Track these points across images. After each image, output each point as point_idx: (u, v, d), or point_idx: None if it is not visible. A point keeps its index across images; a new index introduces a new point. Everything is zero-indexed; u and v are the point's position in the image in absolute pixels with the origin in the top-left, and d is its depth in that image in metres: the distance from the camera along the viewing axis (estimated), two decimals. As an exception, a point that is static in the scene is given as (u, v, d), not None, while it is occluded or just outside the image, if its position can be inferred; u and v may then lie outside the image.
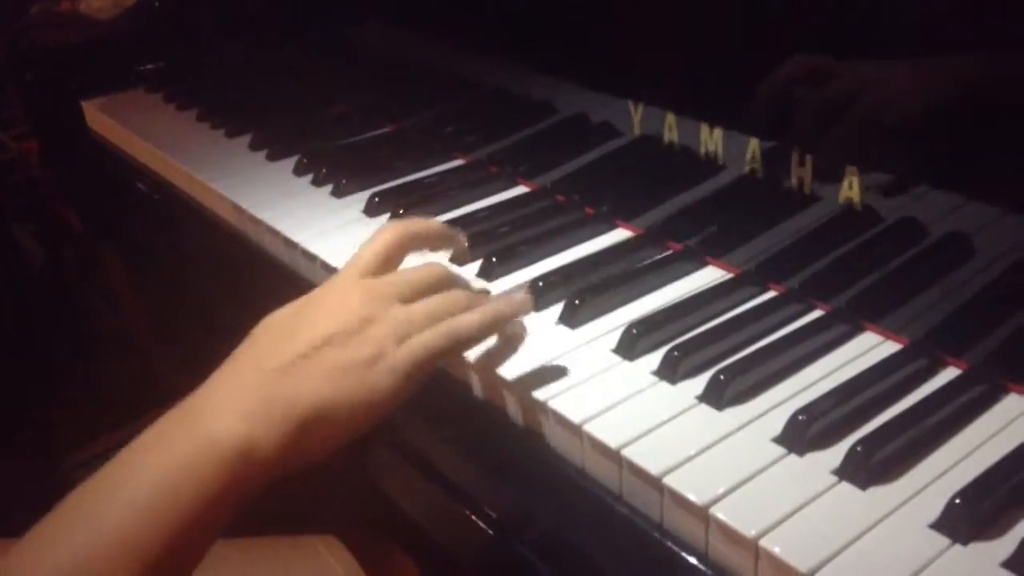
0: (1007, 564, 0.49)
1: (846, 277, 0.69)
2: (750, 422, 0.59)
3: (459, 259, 0.79)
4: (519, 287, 0.74)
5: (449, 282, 0.66)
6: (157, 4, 1.35)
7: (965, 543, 0.50)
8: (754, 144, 0.72)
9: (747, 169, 0.74)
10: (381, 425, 0.60)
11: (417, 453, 0.71)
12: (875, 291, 0.68)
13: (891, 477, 0.55)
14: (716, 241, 0.77)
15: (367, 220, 0.90)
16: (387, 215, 0.89)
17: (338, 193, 0.94)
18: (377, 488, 0.77)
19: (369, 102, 1.15)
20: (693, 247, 0.78)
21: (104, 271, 1.72)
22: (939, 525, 0.51)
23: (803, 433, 0.57)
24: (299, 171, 1.00)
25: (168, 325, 1.55)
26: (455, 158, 1.01)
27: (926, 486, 0.54)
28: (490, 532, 0.65)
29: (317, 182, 0.97)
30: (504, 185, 0.94)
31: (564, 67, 0.87)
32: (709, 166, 0.76)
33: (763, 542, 0.50)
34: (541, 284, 0.73)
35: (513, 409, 0.65)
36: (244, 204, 0.93)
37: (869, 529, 0.51)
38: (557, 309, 0.72)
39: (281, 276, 0.88)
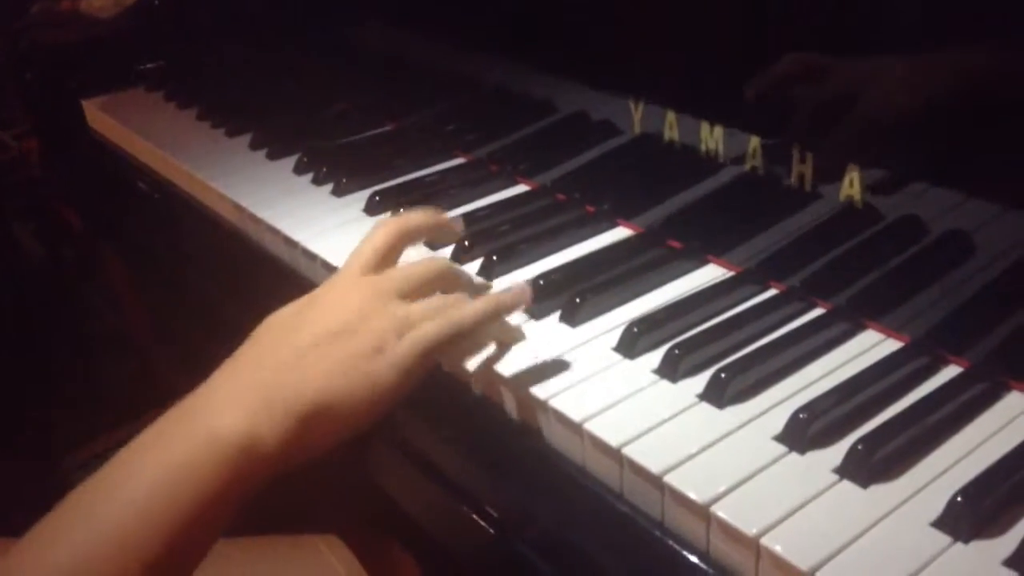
0: (1008, 562, 0.49)
1: (847, 275, 0.69)
2: (751, 420, 0.59)
3: (455, 240, 0.79)
4: (519, 284, 0.74)
5: (450, 274, 0.66)
6: (157, 3, 1.35)
7: (966, 541, 0.50)
8: (755, 142, 0.72)
9: (748, 167, 0.74)
10: (382, 424, 0.60)
11: (418, 452, 0.71)
12: (876, 289, 0.68)
13: (892, 475, 0.54)
14: (717, 239, 0.77)
15: (367, 219, 0.89)
16: (388, 214, 0.89)
17: (338, 192, 0.94)
18: (378, 487, 0.77)
19: (369, 101, 1.15)
20: (694, 245, 0.78)
21: (104, 270, 1.72)
22: (940, 523, 0.51)
23: (804, 431, 0.57)
24: (299, 170, 1.00)
25: (168, 324, 1.55)
26: (455, 156, 1.01)
27: (927, 484, 0.54)
28: (491, 531, 0.65)
29: (317, 181, 0.97)
30: (504, 183, 0.94)
31: (564, 65, 0.87)
32: (710, 164, 0.76)
33: (764, 540, 0.50)
34: (541, 282, 0.73)
35: (513, 408, 0.65)
36: (244, 203, 0.93)
37: (870, 527, 0.51)
38: (557, 307, 0.71)
39: (281, 275, 0.88)
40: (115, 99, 1.28)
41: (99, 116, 1.24)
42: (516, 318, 0.70)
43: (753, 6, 0.72)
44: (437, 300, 0.63)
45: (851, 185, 0.67)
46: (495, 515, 0.65)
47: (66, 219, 1.72)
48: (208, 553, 0.56)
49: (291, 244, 0.86)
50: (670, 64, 0.79)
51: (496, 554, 0.66)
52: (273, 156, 1.05)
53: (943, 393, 0.60)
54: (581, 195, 0.87)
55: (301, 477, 0.58)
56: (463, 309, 0.62)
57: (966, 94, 0.61)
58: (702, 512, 0.53)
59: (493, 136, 0.98)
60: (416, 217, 0.68)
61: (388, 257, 0.65)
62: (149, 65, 1.35)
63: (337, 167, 0.97)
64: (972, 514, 0.51)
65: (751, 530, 0.51)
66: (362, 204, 0.91)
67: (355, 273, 0.64)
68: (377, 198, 0.91)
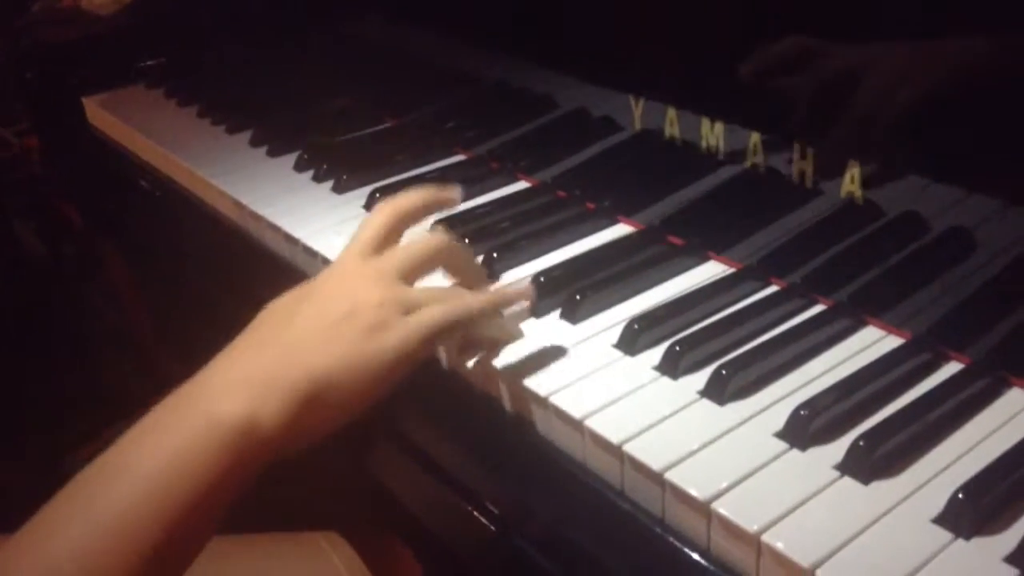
0: (1009, 559, 0.49)
1: (848, 271, 0.69)
2: (752, 417, 0.59)
3: (455, 205, 0.78)
4: (520, 280, 0.74)
5: (451, 252, 0.66)
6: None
7: (968, 538, 0.50)
8: (755, 138, 0.72)
9: (748, 163, 0.74)
10: (381, 420, 0.60)
11: (418, 449, 0.71)
12: (877, 285, 0.68)
13: (893, 472, 0.54)
14: (718, 236, 0.77)
15: (368, 216, 0.89)
16: (388, 210, 0.89)
17: (339, 189, 0.94)
18: (379, 484, 0.77)
19: (370, 97, 1.15)
20: (694, 242, 0.78)
21: (105, 268, 1.72)
22: (942, 520, 0.51)
23: (805, 428, 0.57)
24: (300, 167, 1.00)
25: (169, 322, 1.55)
26: (456, 153, 1.01)
27: (928, 481, 0.54)
28: (491, 527, 0.65)
29: (318, 178, 0.97)
30: (505, 180, 0.94)
31: (565, 62, 0.87)
32: (710, 160, 0.76)
33: (765, 537, 0.50)
34: (542, 279, 0.73)
35: (514, 404, 0.65)
36: (245, 200, 0.93)
37: (871, 524, 0.51)
38: (558, 305, 0.71)
39: (282, 272, 0.87)
40: (116, 96, 1.28)
41: (100, 113, 1.24)
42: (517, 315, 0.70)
43: (754, 3, 0.71)
44: (443, 288, 0.62)
45: (852, 181, 0.67)
46: (496, 512, 0.65)
47: (67, 216, 1.72)
48: (209, 551, 0.56)
49: (292, 241, 0.86)
50: (671, 60, 0.79)
51: (497, 550, 0.66)
52: (273, 153, 1.04)
53: (944, 390, 0.60)
54: (582, 192, 0.87)
55: (302, 474, 0.58)
56: (467, 296, 0.62)
57: (967, 89, 0.61)
58: (703, 509, 0.53)
59: (493, 133, 0.98)
60: (413, 197, 0.68)
61: (388, 239, 0.65)
62: (149, 62, 1.35)
63: (337, 164, 0.97)
64: (973, 511, 0.50)
65: (752, 527, 0.51)
66: (363, 201, 0.91)
67: (355, 258, 0.64)
68: (378, 195, 0.91)
